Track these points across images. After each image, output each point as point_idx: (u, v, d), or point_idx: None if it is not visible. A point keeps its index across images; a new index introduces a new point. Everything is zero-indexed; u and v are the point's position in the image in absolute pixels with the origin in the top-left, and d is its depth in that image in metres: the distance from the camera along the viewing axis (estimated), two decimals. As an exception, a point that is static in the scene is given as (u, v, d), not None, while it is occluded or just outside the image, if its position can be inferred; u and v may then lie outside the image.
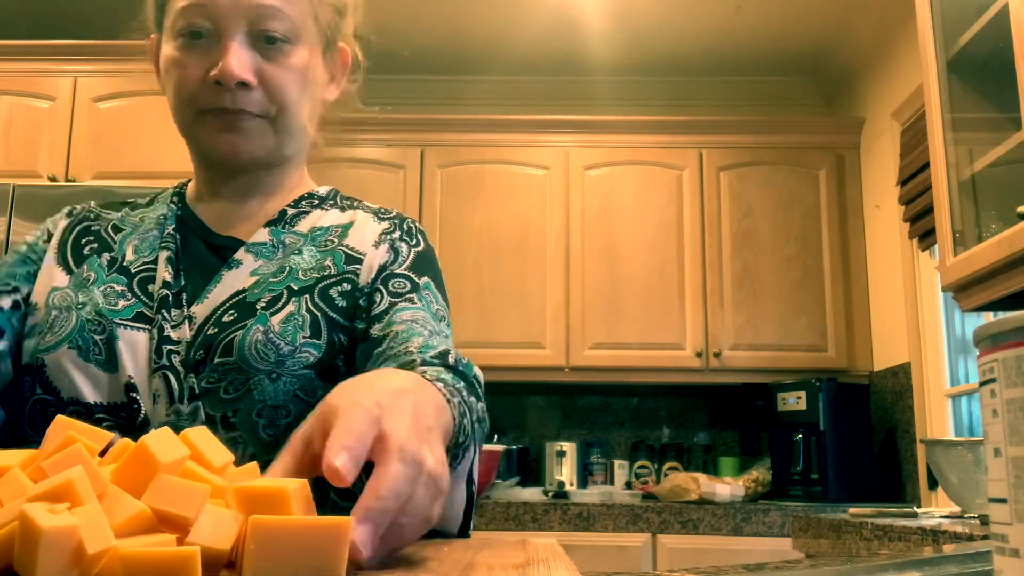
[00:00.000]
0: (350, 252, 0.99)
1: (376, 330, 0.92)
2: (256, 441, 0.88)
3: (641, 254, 3.60)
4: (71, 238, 1.01)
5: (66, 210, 1.08)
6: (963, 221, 2.12)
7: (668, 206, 3.63)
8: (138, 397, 0.88)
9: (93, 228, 1.03)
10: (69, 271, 0.97)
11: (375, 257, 0.99)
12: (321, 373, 0.91)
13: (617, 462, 3.72)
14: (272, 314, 0.91)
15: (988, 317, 2.60)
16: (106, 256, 0.98)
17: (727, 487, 3.24)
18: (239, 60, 0.91)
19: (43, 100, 3.23)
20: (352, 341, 0.94)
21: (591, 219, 3.63)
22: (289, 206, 1.03)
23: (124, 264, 0.96)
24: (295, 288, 0.94)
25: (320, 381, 0.90)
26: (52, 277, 0.97)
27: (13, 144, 3.17)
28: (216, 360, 0.89)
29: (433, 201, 3.65)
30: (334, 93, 1.06)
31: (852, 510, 2.05)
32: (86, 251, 0.99)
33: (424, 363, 0.81)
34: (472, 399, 0.79)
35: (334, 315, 0.93)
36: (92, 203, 1.08)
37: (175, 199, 1.04)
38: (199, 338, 0.90)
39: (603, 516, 3.10)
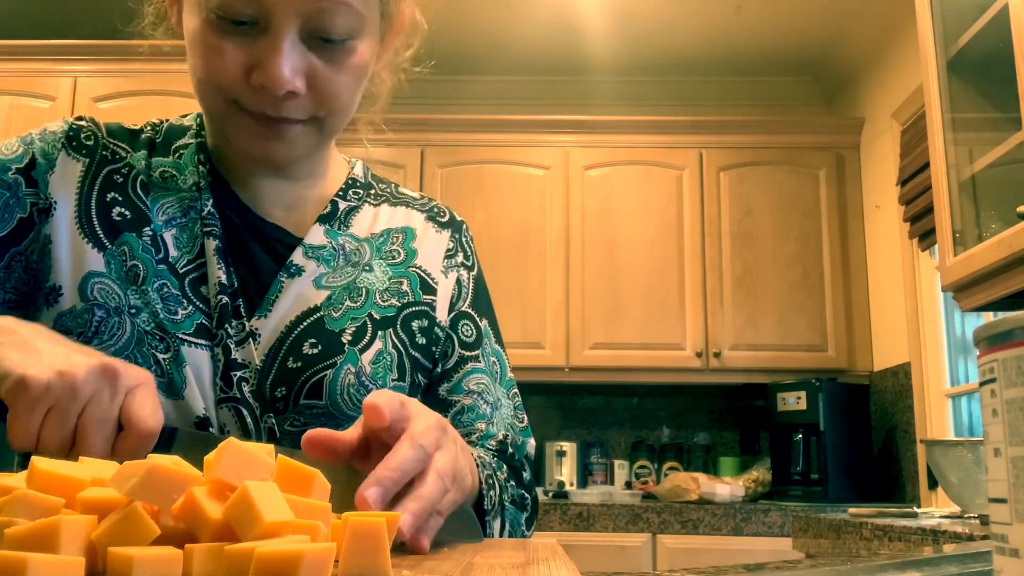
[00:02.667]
0: (424, 276, 0.93)
1: (444, 390, 0.93)
2: None
3: (641, 254, 3.60)
4: (94, 193, 0.85)
5: (65, 129, 0.88)
6: (963, 221, 2.12)
7: (668, 206, 3.63)
8: (213, 432, 0.79)
9: (116, 178, 0.86)
10: (101, 247, 0.82)
11: (447, 290, 0.95)
12: None
13: (617, 462, 3.72)
14: (361, 351, 0.85)
15: (988, 317, 2.60)
16: (147, 232, 0.83)
17: (727, 487, 3.24)
18: (292, 66, 0.76)
19: (43, 100, 3.23)
20: (429, 378, 0.93)
21: (591, 219, 3.63)
22: (338, 196, 0.94)
23: (170, 260, 0.83)
24: (377, 318, 0.87)
25: None
26: (82, 256, 0.81)
27: (13, 144, 3.16)
28: (303, 402, 0.81)
29: (433, 201, 3.64)
30: (382, 60, 0.91)
31: (852, 510, 2.05)
32: (116, 216, 0.84)
33: (482, 448, 0.89)
34: (512, 483, 0.88)
35: (416, 353, 0.90)
36: (101, 127, 0.90)
37: (201, 158, 0.89)
38: (275, 368, 0.81)
39: (603, 516, 3.10)
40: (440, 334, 0.93)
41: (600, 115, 3.79)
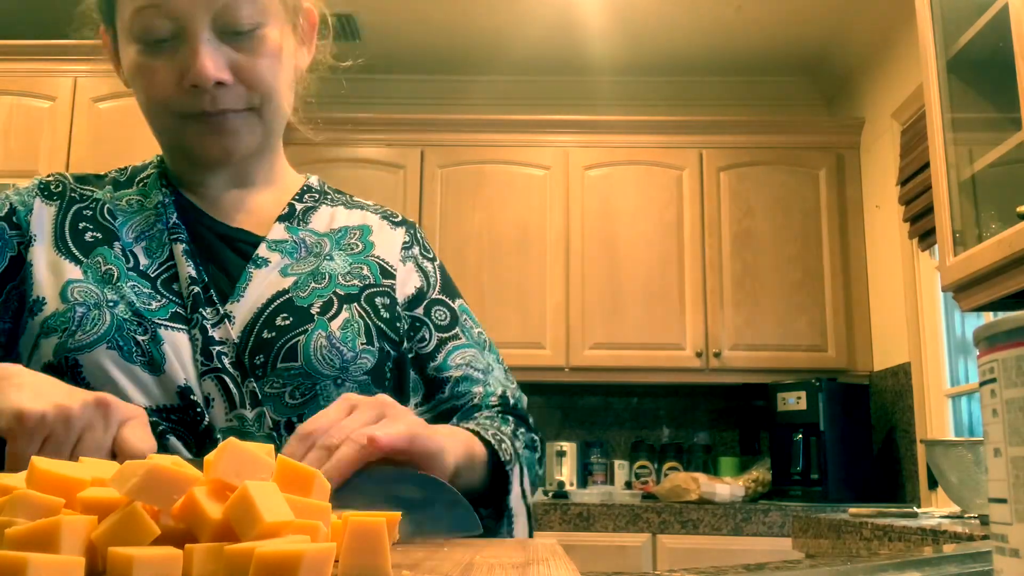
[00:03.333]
0: (383, 264, 1.01)
1: (432, 369, 1.00)
2: None
3: (641, 254, 3.60)
4: (67, 224, 0.95)
5: (36, 183, 0.99)
6: (963, 221, 2.12)
7: (668, 206, 3.63)
8: (198, 400, 0.85)
9: (85, 212, 0.96)
10: (77, 261, 0.91)
11: (407, 277, 1.03)
12: (375, 379, 0.94)
13: (617, 462, 3.72)
14: (330, 319, 0.92)
15: (988, 317, 2.60)
16: (117, 246, 0.93)
17: (727, 487, 3.24)
18: (212, 60, 0.87)
19: (43, 100, 3.23)
20: (398, 352, 0.99)
21: (591, 219, 3.63)
22: (295, 200, 1.02)
23: (140, 268, 0.92)
24: (342, 294, 0.95)
25: (375, 387, 0.94)
26: (60, 269, 0.90)
27: (13, 144, 3.17)
28: (280, 365, 0.88)
29: (433, 201, 3.65)
30: (306, 59, 1.01)
31: (852, 510, 2.05)
32: (88, 238, 0.93)
33: (486, 407, 0.98)
34: (521, 430, 0.96)
35: (380, 324, 0.96)
36: (69, 177, 1.00)
37: (163, 182, 0.99)
38: (251, 341, 0.89)
39: (603, 516, 3.10)
40: (399, 313, 0.99)
41: (600, 115, 3.79)
